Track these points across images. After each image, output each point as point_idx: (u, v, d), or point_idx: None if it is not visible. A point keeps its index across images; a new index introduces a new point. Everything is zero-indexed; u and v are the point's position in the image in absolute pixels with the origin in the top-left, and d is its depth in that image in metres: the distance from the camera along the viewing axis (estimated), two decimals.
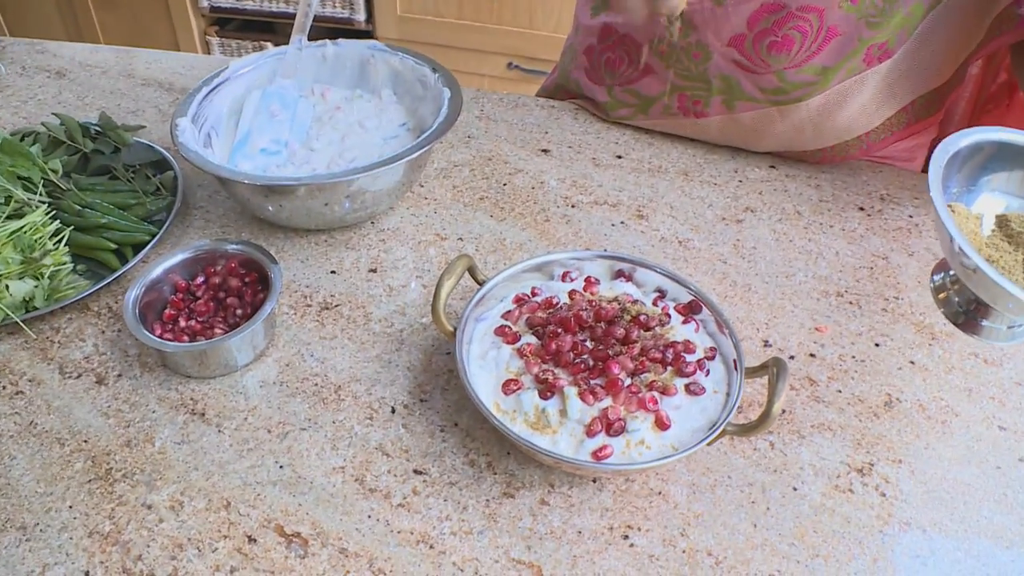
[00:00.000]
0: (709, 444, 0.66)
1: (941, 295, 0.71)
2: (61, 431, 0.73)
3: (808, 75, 0.94)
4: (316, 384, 0.78)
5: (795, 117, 0.99)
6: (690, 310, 0.77)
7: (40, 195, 0.90)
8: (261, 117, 0.97)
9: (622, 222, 0.97)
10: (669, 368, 0.71)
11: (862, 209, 1.00)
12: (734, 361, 0.72)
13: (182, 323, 0.80)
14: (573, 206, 0.99)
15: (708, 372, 0.71)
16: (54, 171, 0.93)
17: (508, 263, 0.80)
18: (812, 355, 0.83)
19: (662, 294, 0.79)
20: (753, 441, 0.74)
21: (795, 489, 0.71)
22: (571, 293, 0.76)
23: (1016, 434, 0.77)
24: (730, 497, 0.70)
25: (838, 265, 0.93)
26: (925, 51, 0.94)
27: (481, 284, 0.76)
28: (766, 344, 0.83)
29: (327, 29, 2.43)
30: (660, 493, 0.70)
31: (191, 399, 0.76)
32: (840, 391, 0.80)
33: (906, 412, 0.78)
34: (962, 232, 0.63)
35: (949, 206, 0.66)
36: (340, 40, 1.04)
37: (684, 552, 0.66)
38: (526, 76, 2.38)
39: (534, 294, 0.78)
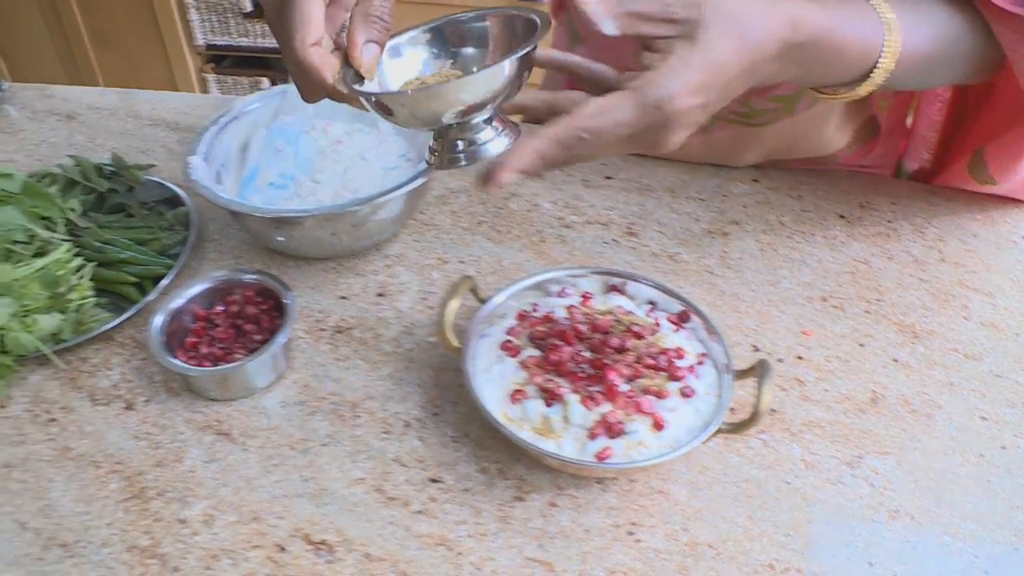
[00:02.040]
0: (705, 443, 0.71)
1: (432, 159, 0.68)
2: (95, 454, 0.78)
3: (771, 104, 1.00)
4: (333, 403, 0.82)
5: (767, 138, 1.04)
6: (680, 319, 0.82)
7: (61, 234, 0.95)
8: (267, 153, 1.02)
9: (614, 239, 1.02)
10: (663, 373, 0.75)
11: (843, 217, 1.05)
12: (724, 365, 0.77)
13: (204, 349, 0.84)
14: (567, 226, 1.03)
15: (699, 376, 0.76)
16: (72, 210, 0.98)
17: (507, 282, 0.84)
18: (800, 357, 0.87)
19: (653, 305, 0.84)
20: (746, 440, 0.79)
21: (788, 483, 0.76)
22: (569, 308, 0.81)
23: (997, 424, 0.82)
24: (727, 493, 0.75)
25: (821, 271, 0.97)
26: None
27: (483, 303, 0.81)
28: (755, 348, 0.88)
29: None
30: (661, 492, 0.75)
31: (216, 420, 0.81)
32: (827, 390, 0.84)
33: (891, 407, 0.83)
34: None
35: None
36: None
37: (687, 545, 0.71)
38: None
39: (534, 310, 0.82)
